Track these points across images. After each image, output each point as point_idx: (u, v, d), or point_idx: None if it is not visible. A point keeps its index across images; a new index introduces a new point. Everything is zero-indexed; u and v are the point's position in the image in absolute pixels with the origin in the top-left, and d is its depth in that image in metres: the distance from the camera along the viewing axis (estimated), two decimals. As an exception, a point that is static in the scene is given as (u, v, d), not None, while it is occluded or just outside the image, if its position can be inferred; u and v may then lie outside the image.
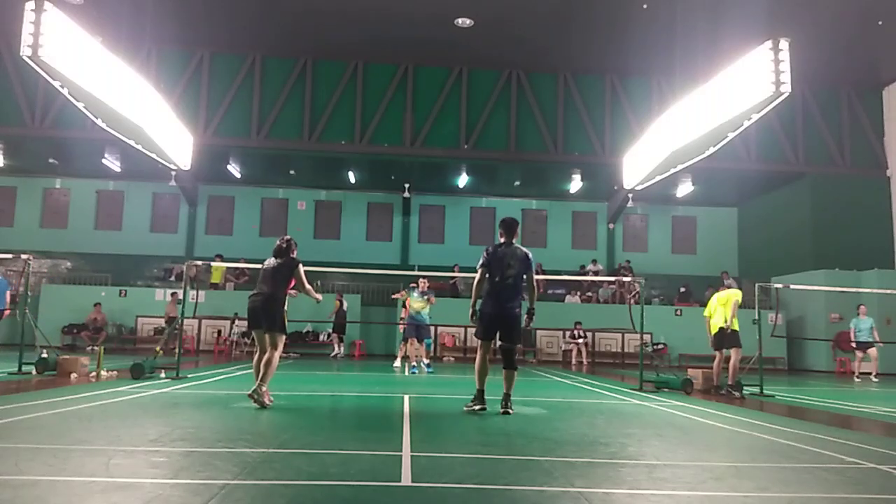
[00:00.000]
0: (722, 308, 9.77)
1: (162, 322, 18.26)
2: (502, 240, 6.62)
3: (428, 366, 12.65)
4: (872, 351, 14.74)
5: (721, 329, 9.65)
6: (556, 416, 6.52)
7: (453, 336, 19.53)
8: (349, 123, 20.14)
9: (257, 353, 6.65)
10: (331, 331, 18.55)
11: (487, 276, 6.50)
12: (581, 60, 19.85)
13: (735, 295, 9.79)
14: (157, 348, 16.71)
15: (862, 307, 15.31)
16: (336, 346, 18.19)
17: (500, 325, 6.48)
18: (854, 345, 15.25)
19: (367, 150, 20.16)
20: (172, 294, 18.11)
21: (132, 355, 13.08)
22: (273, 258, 6.76)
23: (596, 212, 24.62)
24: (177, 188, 21.63)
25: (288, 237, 6.90)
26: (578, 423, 6.01)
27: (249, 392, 6.31)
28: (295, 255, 6.82)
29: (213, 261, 19.03)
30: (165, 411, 5.80)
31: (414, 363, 12.76)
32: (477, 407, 6.36)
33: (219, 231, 23.60)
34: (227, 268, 19.78)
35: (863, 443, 5.10)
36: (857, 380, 14.87)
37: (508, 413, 6.17)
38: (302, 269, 6.70)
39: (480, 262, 6.56)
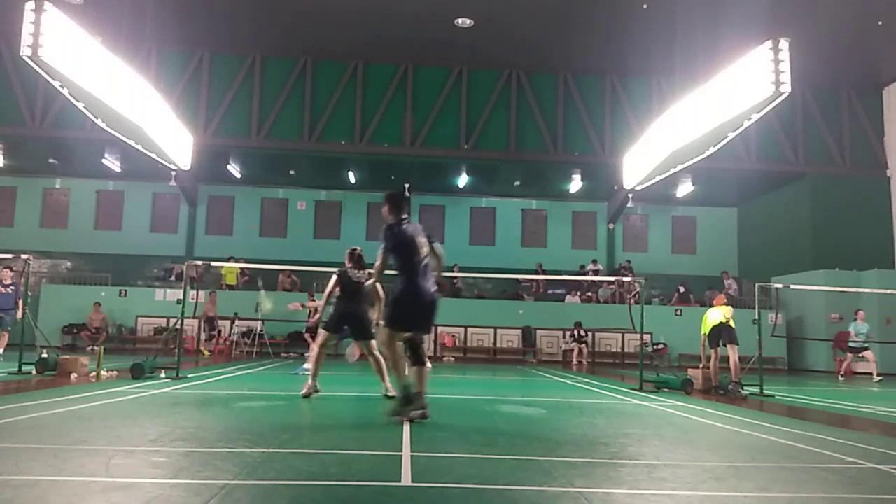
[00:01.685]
0: (720, 310, 9.74)
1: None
2: (391, 219, 5.73)
3: None
4: (869, 353, 14.80)
5: (720, 323, 9.58)
6: (556, 416, 6.52)
7: (453, 336, 19.53)
8: (349, 123, 20.14)
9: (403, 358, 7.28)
10: (305, 331, 18.14)
11: (398, 258, 5.57)
12: (581, 60, 19.85)
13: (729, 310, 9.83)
14: (205, 351, 16.91)
15: (860, 312, 15.23)
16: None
17: (422, 313, 5.55)
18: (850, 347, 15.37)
19: (367, 150, 20.16)
20: (212, 293, 18.25)
21: (132, 355, 13.07)
22: (353, 270, 7.44)
23: (596, 212, 24.62)
24: (177, 188, 21.63)
25: (359, 248, 7.73)
26: (578, 423, 6.01)
27: (389, 393, 7.02)
28: None
29: (227, 262, 18.98)
30: (165, 411, 5.80)
31: None
32: (418, 412, 5.37)
33: (219, 231, 23.60)
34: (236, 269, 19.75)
35: (863, 443, 5.10)
36: (840, 378, 15.04)
37: (426, 417, 5.38)
38: None
39: (384, 245, 5.57)
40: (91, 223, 23.33)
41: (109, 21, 15.73)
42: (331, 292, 7.52)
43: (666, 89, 19.54)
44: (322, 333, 7.44)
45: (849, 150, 20.74)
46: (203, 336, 17.99)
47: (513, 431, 5.25)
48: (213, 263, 18.51)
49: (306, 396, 7.08)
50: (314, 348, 7.53)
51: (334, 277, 7.47)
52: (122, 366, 9.91)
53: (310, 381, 7.21)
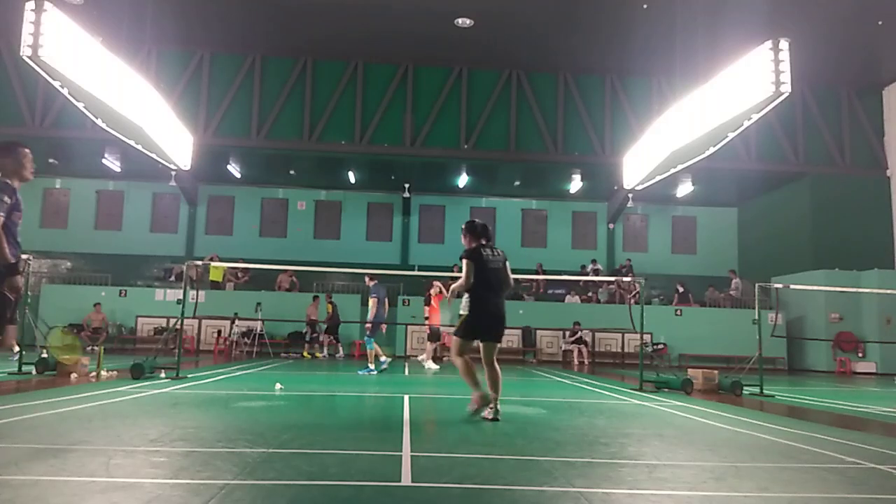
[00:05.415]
0: None
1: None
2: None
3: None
4: None
5: None
6: (556, 416, 6.52)
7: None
8: (349, 123, 20.14)
9: (485, 369, 5.86)
10: (325, 332, 18.18)
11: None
12: (581, 60, 19.85)
13: None
14: (318, 354, 17.36)
15: None
16: (338, 348, 17.88)
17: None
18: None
19: (367, 150, 20.16)
20: (315, 297, 18.45)
21: (132, 355, 13.08)
22: (490, 250, 5.97)
23: (596, 212, 24.62)
24: (177, 188, 21.64)
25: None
26: (578, 423, 6.00)
27: (490, 415, 5.66)
28: None
29: (211, 260, 19.04)
30: (165, 411, 5.80)
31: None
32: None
33: (219, 231, 23.60)
34: (228, 267, 19.77)
35: (863, 443, 5.10)
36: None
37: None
38: None
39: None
40: (91, 223, 23.33)
41: (109, 21, 15.74)
42: (466, 284, 5.78)
43: (666, 89, 19.55)
44: (456, 342, 5.90)
45: (849, 149, 20.74)
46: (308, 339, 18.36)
47: (513, 431, 5.24)
48: (212, 263, 18.68)
49: (476, 413, 5.78)
50: (456, 360, 5.95)
51: (465, 262, 5.78)
52: (122, 366, 9.91)
53: (475, 395, 5.82)
